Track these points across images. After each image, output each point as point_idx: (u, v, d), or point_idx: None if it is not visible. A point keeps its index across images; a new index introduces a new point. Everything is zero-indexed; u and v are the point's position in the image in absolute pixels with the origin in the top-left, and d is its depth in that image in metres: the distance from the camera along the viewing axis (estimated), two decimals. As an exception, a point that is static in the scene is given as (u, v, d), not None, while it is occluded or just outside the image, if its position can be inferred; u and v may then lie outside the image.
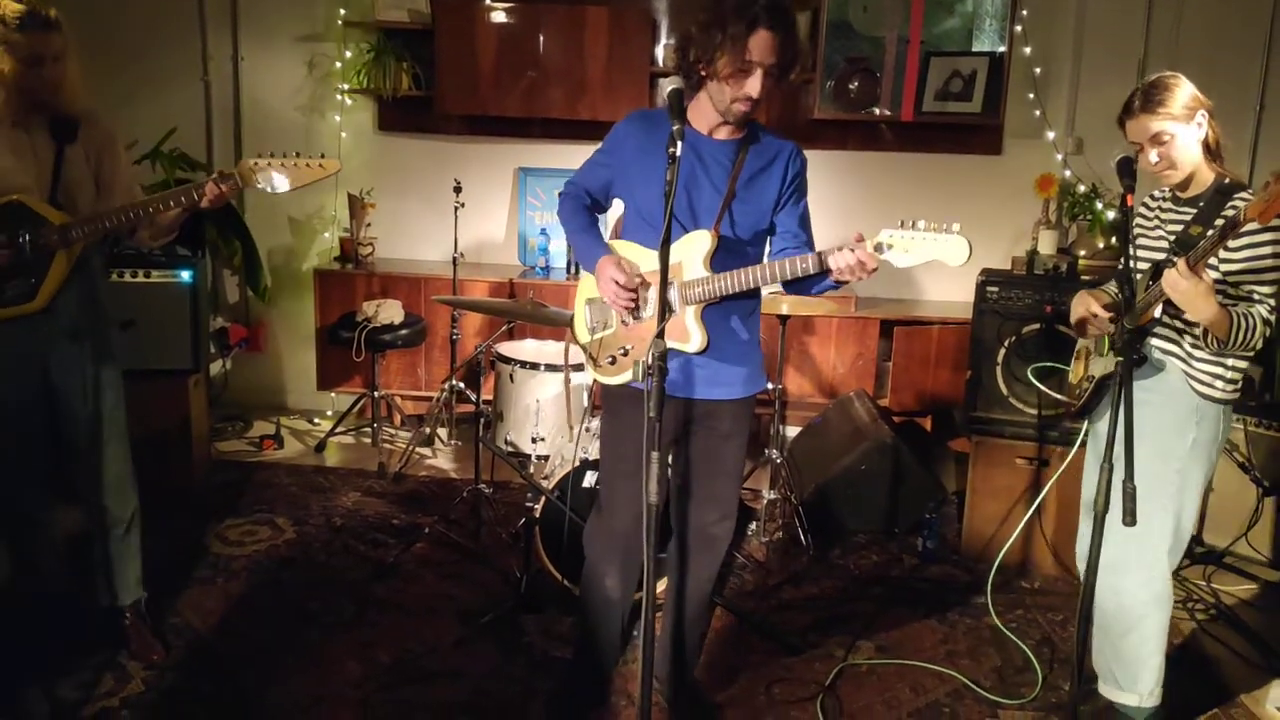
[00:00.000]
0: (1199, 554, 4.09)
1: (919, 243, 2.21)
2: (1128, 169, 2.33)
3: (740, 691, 3.09)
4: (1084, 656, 2.34)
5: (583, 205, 2.75)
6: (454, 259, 4.81)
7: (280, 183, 2.72)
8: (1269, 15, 4.97)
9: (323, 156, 2.74)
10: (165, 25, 5.43)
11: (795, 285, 2.56)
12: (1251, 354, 2.56)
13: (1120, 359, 2.15)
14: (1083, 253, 5.02)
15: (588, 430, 3.65)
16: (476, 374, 3.95)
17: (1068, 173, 5.19)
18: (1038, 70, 5.13)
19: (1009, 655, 3.36)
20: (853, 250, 2.28)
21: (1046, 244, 5.05)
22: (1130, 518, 2.11)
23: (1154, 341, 2.66)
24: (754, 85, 2.39)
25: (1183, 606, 3.70)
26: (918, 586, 3.85)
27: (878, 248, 2.25)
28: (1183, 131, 2.55)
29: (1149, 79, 2.62)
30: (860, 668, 3.26)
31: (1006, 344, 3.89)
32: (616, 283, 2.51)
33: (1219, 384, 2.61)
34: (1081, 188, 5.13)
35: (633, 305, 2.54)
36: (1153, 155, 2.58)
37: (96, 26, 5.23)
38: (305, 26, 5.41)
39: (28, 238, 2.71)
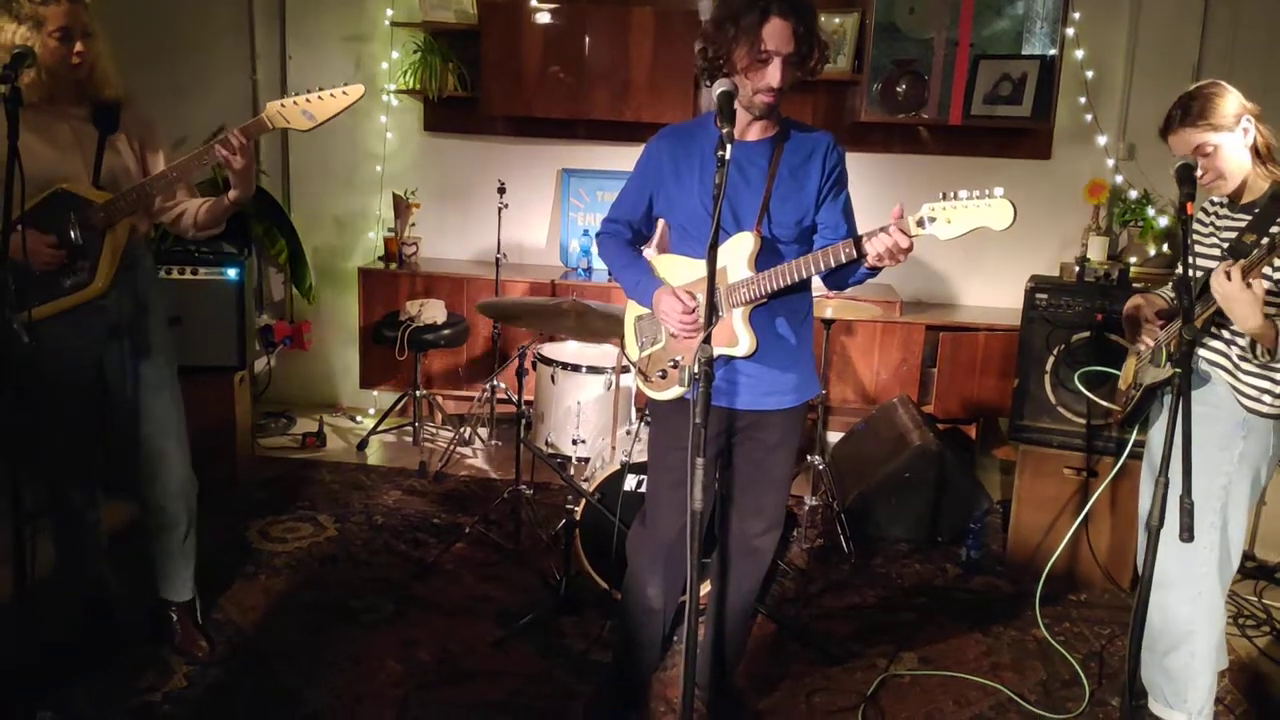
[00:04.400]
0: (1250, 569, 4.00)
1: (961, 212, 2.16)
2: (1188, 176, 2.28)
3: (781, 700, 3.06)
4: (1136, 672, 2.29)
5: (623, 240, 2.75)
6: (497, 259, 4.82)
7: (305, 120, 2.68)
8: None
9: (345, 84, 2.67)
10: (215, 24, 5.49)
11: (834, 278, 2.54)
12: None
13: (1179, 370, 2.09)
14: (1133, 260, 4.95)
15: (628, 433, 3.64)
16: (518, 375, 3.95)
17: (1119, 178, 5.11)
18: (1089, 74, 5.06)
19: (1055, 669, 3.30)
20: (887, 233, 2.25)
21: (1096, 251, 4.98)
22: (1187, 534, 2.06)
23: (1201, 352, 2.61)
24: (774, 75, 2.37)
25: (1234, 622, 3.61)
26: (961, 597, 3.80)
27: (920, 222, 2.21)
28: (1227, 141, 2.50)
29: (1187, 90, 2.57)
30: (902, 678, 3.22)
31: (1055, 352, 3.83)
32: (679, 312, 2.50)
33: (1266, 398, 2.54)
34: (1133, 194, 5.05)
35: (697, 329, 2.52)
36: (1199, 168, 2.52)
37: (147, 25, 5.30)
38: (353, 27, 5.44)
39: (74, 219, 2.72)
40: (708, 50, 2.44)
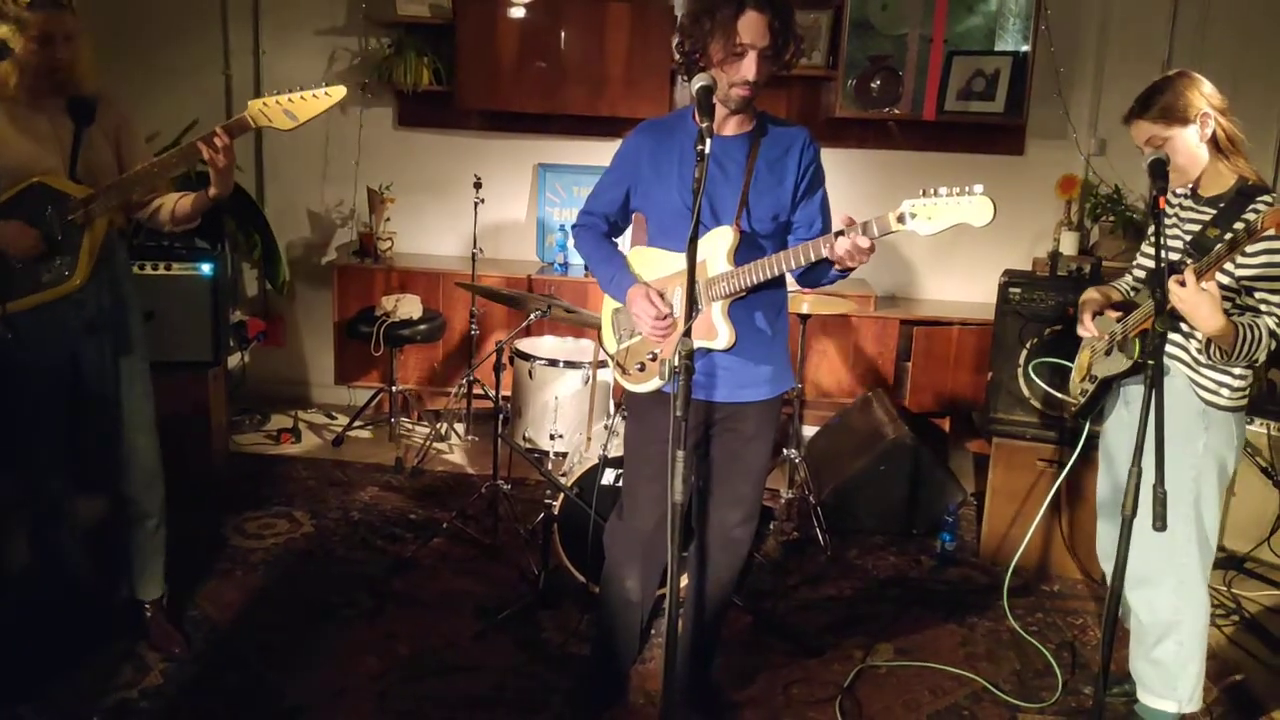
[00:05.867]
0: (1219, 559, 4.06)
1: (942, 208, 2.19)
2: (1160, 171, 2.31)
3: (758, 692, 3.08)
4: (1109, 662, 2.32)
5: (600, 234, 2.75)
6: (473, 254, 4.81)
7: (287, 119, 2.69)
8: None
9: (325, 85, 2.69)
10: (187, 18, 5.44)
11: (808, 276, 2.57)
12: (1252, 366, 2.54)
13: (1150, 361, 2.12)
14: (1105, 254, 5.00)
15: (606, 428, 3.64)
16: (495, 370, 3.94)
17: (1091, 173, 5.16)
18: (1061, 70, 5.10)
19: (1028, 659, 3.34)
20: (846, 235, 2.29)
21: (1069, 245, 5.04)
22: (1160, 523, 2.09)
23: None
24: (749, 68, 2.38)
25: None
26: (936, 588, 3.84)
27: (900, 218, 2.23)
28: (1179, 135, 2.53)
29: (1155, 80, 2.60)
30: (879, 669, 3.24)
31: (1028, 346, 3.87)
32: (652, 316, 2.52)
33: (1224, 391, 2.59)
34: (1104, 189, 5.10)
35: (669, 332, 2.53)
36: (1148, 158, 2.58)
37: (119, 18, 5.25)
38: (327, 20, 5.41)
39: (52, 213, 2.71)
40: (684, 43, 2.46)
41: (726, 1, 2.35)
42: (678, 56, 2.50)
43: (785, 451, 4.27)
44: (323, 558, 3.82)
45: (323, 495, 4.42)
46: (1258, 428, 3.98)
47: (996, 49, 4.94)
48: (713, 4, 2.37)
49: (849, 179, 5.15)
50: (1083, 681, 3.22)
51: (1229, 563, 4.04)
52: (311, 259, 5.70)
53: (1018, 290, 3.89)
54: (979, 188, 2.16)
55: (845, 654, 3.31)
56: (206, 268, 4.30)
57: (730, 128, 2.53)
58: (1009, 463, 3.96)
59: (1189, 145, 2.54)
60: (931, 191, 2.20)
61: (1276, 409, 4.01)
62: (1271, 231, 2.22)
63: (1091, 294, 2.90)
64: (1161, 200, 2.24)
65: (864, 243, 2.28)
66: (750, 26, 2.34)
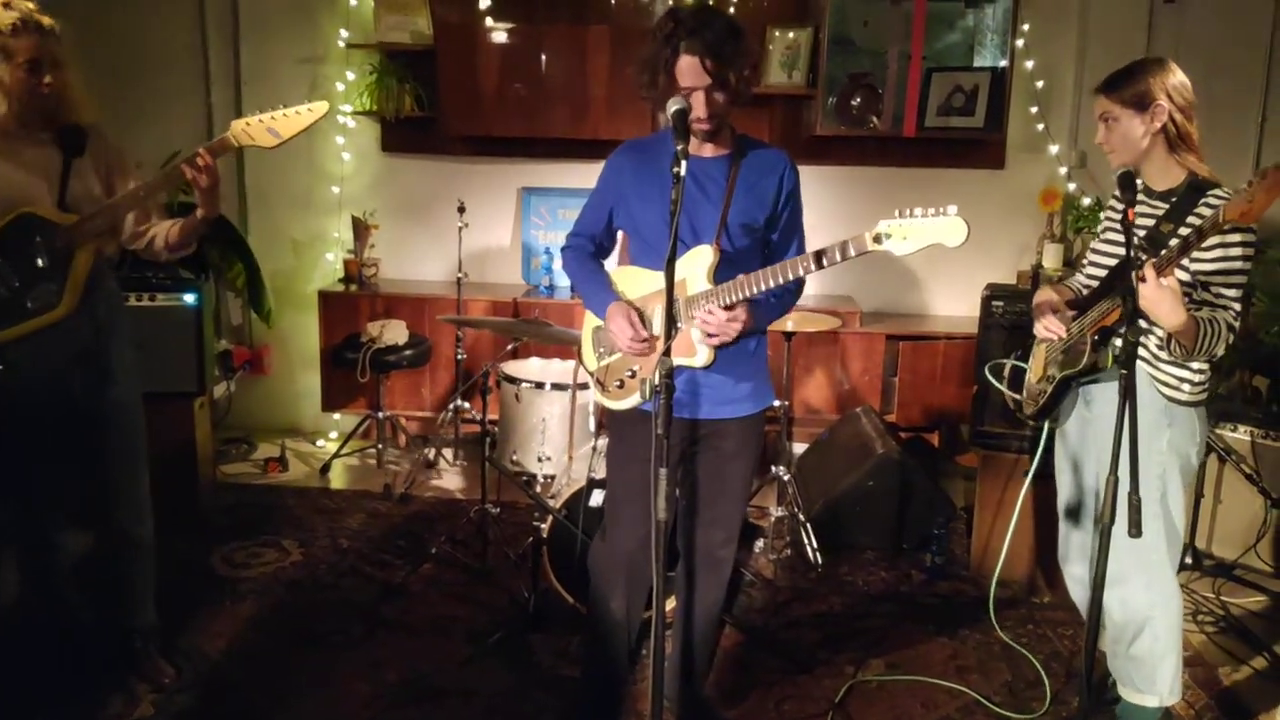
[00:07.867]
0: (1208, 566, 4.07)
1: (916, 228, 2.22)
2: (1128, 183, 2.32)
3: (751, 709, 3.08)
4: (1093, 670, 2.33)
5: (586, 254, 2.78)
6: (458, 279, 4.82)
7: (271, 137, 2.72)
8: (1269, 30, 5.00)
9: (309, 102, 2.73)
10: (168, 48, 5.47)
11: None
12: (1211, 361, 2.56)
13: (1125, 371, 2.14)
14: (1087, 266, 5.03)
15: (594, 450, 3.65)
16: (482, 394, 3.94)
17: (1072, 186, 5.20)
18: (1040, 84, 5.15)
19: (1019, 670, 3.35)
20: (724, 308, 2.45)
21: (1051, 258, 5.07)
22: (1136, 529, 2.10)
23: (1119, 342, 2.63)
24: (698, 107, 2.41)
25: (1192, 619, 3.68)
26: (927, 602, 3.84)
27: (876, 238, 2.26)
28: (1126, 118, 2.57)
29: (1137, 59, 2.64)
30: (870, 684, 3.24)
31: (1012, 358, 3.88)
32: (628, 336, 2.55)
33: (1185, 386, 2.60)
34: (1086, 200, 5.14)
35: (646, 352, 2.56)
36: (1099, 132, 2.63)
37: (100, 48, 5.26)
38: (307, 49, 5.44)
39: (39, 240, 2.71)
40: (641, 91, 2.50)
41: (662, 49, 2.39)
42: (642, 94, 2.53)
43: (774, 469, 4.28)
44: (311, 586, 3.81)
45: (311, 523, 4.41)
46: (1242, 434, 3.99)
47: (975, 65, 4.98)
48: (653, 53, 2.42)
49: (831, 197, 5.18)
50: (1073, 691, 3.22)
51: (1217, 570, 4.05)
52: (296, 286, 5.70)
53: (1000, 303, 3.91)
54: (953, 208, 2.19)
55: (836, 669, 3.31)
56: (190, 298, 4.30)
57: (709, 150, 2.55)
58: (996, 475, 3.97)
59: (1132, 131, 2.58)
60: (907, 212, 2.23)
61: (1260, 415, 4.03)
62: (1229, 225, 2.24)
63: (1046, 294, 2.91)
64: (1130, 212, 2.25)
65: (721, 315, 2.43)
66: (686, 71, 2.38)
